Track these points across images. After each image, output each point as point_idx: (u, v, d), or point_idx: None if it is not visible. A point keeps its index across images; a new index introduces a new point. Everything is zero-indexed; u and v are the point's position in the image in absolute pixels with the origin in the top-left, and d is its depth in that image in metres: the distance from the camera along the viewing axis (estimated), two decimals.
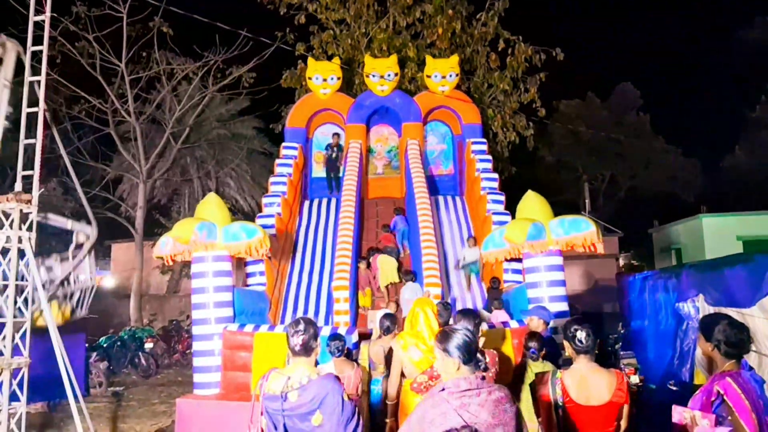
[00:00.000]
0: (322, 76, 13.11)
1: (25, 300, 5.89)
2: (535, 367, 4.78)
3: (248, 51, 17.37)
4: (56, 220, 6.91)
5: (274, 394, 2.93)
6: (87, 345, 11.73)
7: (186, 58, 18.12)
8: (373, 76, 12.91)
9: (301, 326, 3.02)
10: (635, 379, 6.15)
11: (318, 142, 13.77)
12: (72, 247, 7.15)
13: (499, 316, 7.04)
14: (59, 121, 16.30)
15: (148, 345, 13.05)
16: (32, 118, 6.37)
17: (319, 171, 13.61)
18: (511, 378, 5.06)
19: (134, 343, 12.90)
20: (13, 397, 5.82)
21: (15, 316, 5.79)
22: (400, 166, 13.52)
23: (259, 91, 18.73)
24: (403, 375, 4.56)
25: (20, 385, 5.82)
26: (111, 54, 16.67)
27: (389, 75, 12.85)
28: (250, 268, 9.68)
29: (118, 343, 12.82)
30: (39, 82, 6.37)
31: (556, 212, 7.96)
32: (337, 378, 3.06)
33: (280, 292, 10.34)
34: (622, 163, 31.37)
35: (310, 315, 9.92)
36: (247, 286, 9.63)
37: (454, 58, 13.31)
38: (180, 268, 21.30)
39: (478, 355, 2.80)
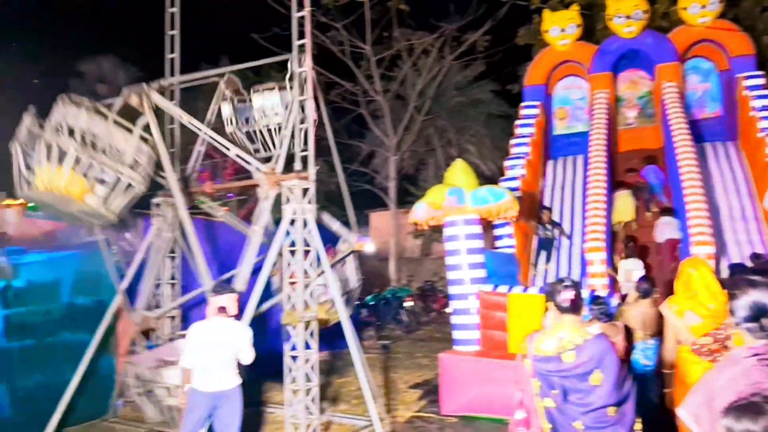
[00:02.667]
0: (559, 27, 12.48)
1: (311, 263, 6.82)
2: None
3: (481, 14, 17.36)
4: (327, 219, 7.77)
5: (546, 355, 2.93)
6: (357, 303, 13.16)
7: (423, 32, 18.81)
8: (618, 17, 11.83)
9: (569, 282, 2.97)
10: None
11: (559, 98, 13.18)
12: (339, 253, 7.84)
13: None
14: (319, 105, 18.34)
15: (408, 303, 14.18)
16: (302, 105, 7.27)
17: (561, 128, 13.06)
18: None
19: (396, 302, 14.13)
20: (306, 346, 6.83)
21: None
22: (656, 113, 12.26)
23: (495, 54, 18.61)
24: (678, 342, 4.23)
25: (311, 335, 6.80)
26: (357, 39, 18.11)
27: (637, 13, 11.64)
28: (497, 231, 9.79)
29: (383, 301, 14.16)
30: (305, 71, 7.21)
31: None
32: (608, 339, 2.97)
33: (529, 255, 10.29)
34: None
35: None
36: (496, 248, 9.77)
37: None
38: (430, 233, 22.53)
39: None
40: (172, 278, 7.95)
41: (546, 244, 10.09)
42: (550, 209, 10.67)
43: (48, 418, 6.52)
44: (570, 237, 10.46)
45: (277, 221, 7.18)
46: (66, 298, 7.70)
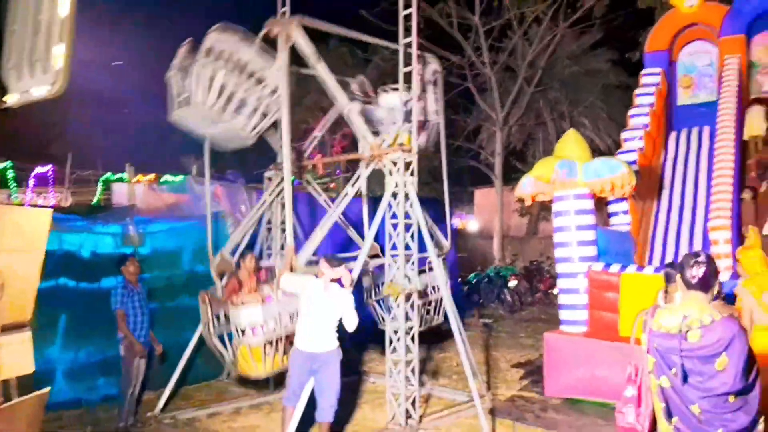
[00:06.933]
0: None
1: (412, 235, 6.79)
2: None
3: None
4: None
5: (668, 332, 2.73)
6: (459, 280, 13.07)
7: None
8: None
9: (703, 258, 2.74)
10: None
11: (684, 65, 12.10)
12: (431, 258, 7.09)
13: None
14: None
15: (512, 283, 13.84)
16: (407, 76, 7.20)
17: (686, 98, 12.02)
18: None
19: (499, 281, 13.85)
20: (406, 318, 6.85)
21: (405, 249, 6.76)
22: None
23: (613, 20, 17.49)
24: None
25: (412, 307, 6.80)
26: (465, 10, 17.69)
27: None
28: (612, 207, 9.25)
29: (486, 280, 13.93)
30: (411, 43, 7.12)
31: None
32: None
33: (646, 233, 9.65)
34: None
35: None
36: (610, 226, 9.25)
37: None
38: (537, 211, 21.80)
39: None
40: (282, 249, 8.23)
41: None
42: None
43: (169, 376, 7.04)
44: (693, 213, 9.67)
45: (376, 198, 7.20)
46: (187, 266, 8.25)
